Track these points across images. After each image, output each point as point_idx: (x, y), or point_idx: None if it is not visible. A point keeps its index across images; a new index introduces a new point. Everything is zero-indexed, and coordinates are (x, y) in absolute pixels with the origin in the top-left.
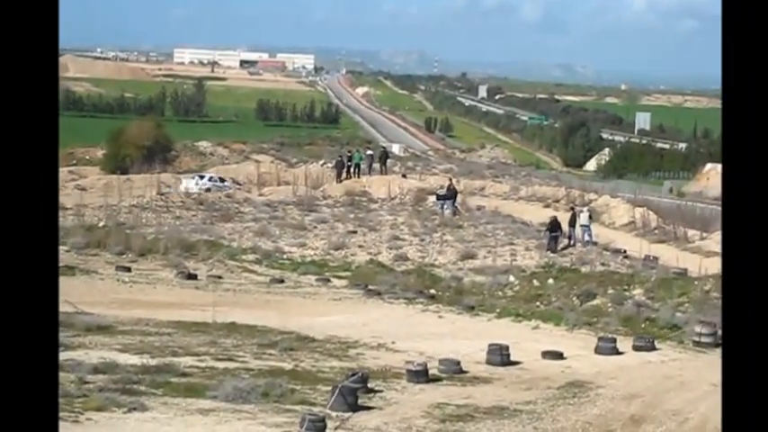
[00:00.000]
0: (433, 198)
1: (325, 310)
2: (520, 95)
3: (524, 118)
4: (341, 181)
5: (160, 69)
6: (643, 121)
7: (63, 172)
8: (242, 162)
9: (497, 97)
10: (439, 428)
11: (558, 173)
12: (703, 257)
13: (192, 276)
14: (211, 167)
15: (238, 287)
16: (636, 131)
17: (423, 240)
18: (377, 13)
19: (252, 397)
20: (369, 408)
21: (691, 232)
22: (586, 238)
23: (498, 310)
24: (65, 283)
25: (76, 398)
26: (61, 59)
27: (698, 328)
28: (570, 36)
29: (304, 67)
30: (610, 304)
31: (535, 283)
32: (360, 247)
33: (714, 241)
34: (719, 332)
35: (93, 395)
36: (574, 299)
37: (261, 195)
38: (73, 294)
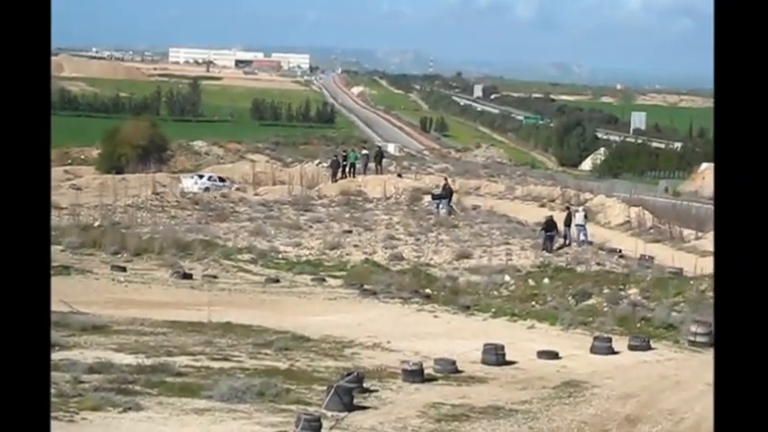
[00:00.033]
0: (428, 198)
1: (320, 309)
2: (515, 95)
3: (520, 117)
4: (336, 180)
5: (155, 69)
6: (638, 120)
7: (58, 171)
8: (237, 162)
9: (493, 97)
10: (434, 428)
11: (554, 172)
12: (699, 257)
13: (188, 276)
14: (206, 167)
15: (234, 287)
16: (631, 131)
17: (418, 240)
18: (372, 13)
19: (247, 397)
20: (364, 407)
21: (686, 232)
22: (582, 237)
23: (494, 310)
24: (60, 283)
25: (72, 397)
26: (56, 59)
27: (693, 328)
28: (565, 35)
29: (299, 67)
30: (605, 304)
31: (530, 282)
32: (355, 246)
33: (709, 241)
34: None
35: (88, 395)
36: (569, 298)
37: (256, 195)
38: (68, 294)
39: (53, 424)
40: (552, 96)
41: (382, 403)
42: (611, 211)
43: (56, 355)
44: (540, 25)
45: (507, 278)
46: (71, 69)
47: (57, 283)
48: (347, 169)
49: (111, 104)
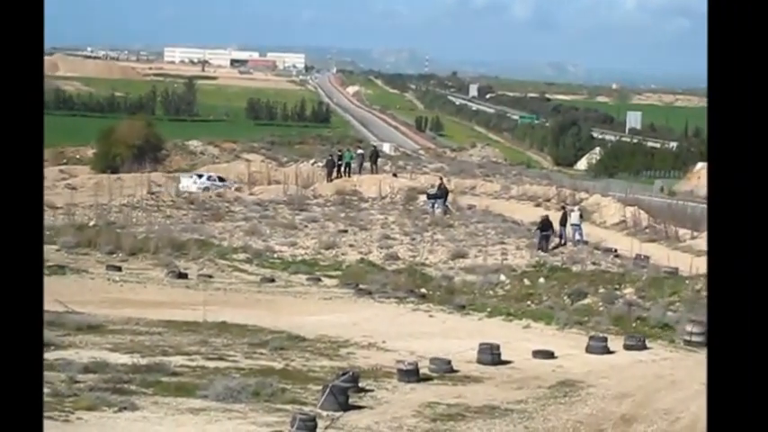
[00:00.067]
0: (423, 197)
1: (315, 309)
2: (510, 94)
3: (515, 117)
4: (331, 180)
5: (150, 68)
6: (634, 120)
7: (53, 171)
8: (232, 161)
9: (488, 96)
10: (430, 428)
11: (549, 172)
12: (694, 256)
13: (183, 275)
14: (202, 166)
15: (229, 286)
16: (627, 130)
17: (413, 239)
18: (367, 12)
19: (242, 396)
20: (359, 407)
21: (681, 231)
22: (577, 237)
23: (489, 310)
24: (55, 283)
25: (67, 397)
26: (51, 58)
27: (689, 327)
28: (561, 35)
29: (294, 66)
30: (601, 303)
31: (526, 282)
32: (350, 246)
33: (705, 240)
34: None
35: (83, 394)
36: (565, 298)
37: (251, 194)
38: (63, 293)
39: (48, 424)
40: (548, 96)
41: (377, 403)
42: (607, 210)
43: (51, 355)
44: (535, 25)
45: (503, 278)
46: (66, 69)
47: (52, 282)
48: (342, 169)
49: (106, 104)
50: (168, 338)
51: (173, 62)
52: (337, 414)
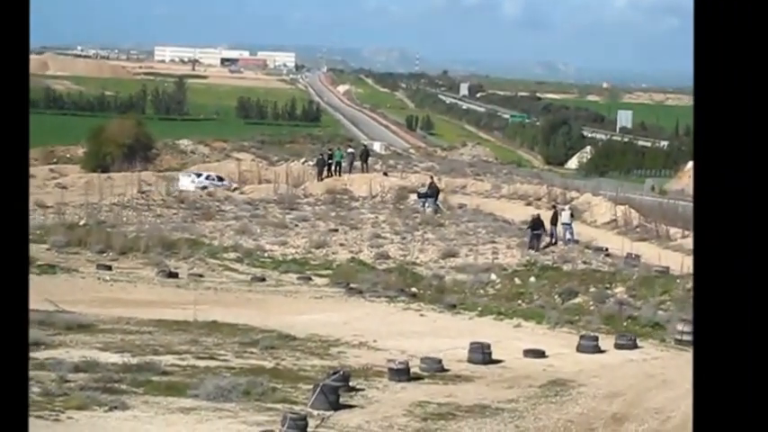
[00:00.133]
0: (414, 196)
1: (306, 308)
2: (501, 93)
3: (506, 116)
4: (322, 179)
5: (141, 67)
6: (625, 118)
7: (44, 170)
8: (223, 160)
9: (479, 95)
10: (420, 427)
11: (540, 171)
12: (685, 255)
13: (173, 275)
14: (192, 165)
15: (219, 285)
16: (617, 129)
17: (404, 239)
18: (358, 11)
19: (233, 395)
20: (350, 406)
21: (672, 230)
22: (568, 236)
23: (480, 309)
24: (46, 282)
25: (58, 396)
26: (41, 57)
27: (680, 327)
28: (552, 34)
29: (285, 65)
30: (592, 302)
31: (517, 281)
32: (341, 245)
33: None
34: None
35: (74, 394)
36: (556, 297)
37: (242, 194)
38: (54, 293)
39: (39, 423)
40: (538, 95)
41: (368, 402)
42: (598, 209)
43: (41, 354)
44: (526, 24)
45: (494, 277)
46: (56, 68)
47: (42, 281)
48: (333, 168)
49: (96, 103)
50: (159, 338)
51: (163, 61)
52: (328, 413)
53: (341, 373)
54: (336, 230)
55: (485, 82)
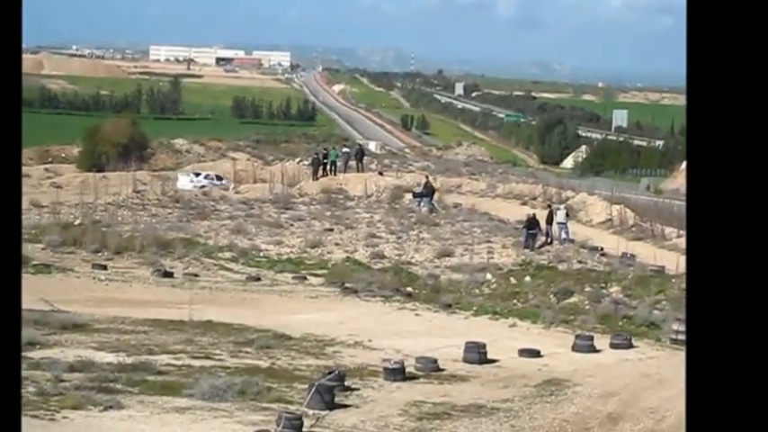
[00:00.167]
0: (409, 196)
1: (301, 307)
2: (496, 93)
3: (501, 115)
4: (317, 178)
5: (136, 67)
6: (620, 118)
7: (39, 170)
8: (218, 160)
9: (474, 94)
10: (416, 427)
11: (535, 170)
12: (680, 255)
13: (169, 274)
14: (187, 165)
15: (215, 285)
16: (613, 129)
17: (399, 238)
18: (353, 11)
19: (228, 395)
20: (345, 406)
21: (668, 230)
22: (563, 235)
23: (475, 308)
24: (41, 281)
25: (53, 396)
26: (36, 57)
27: (675, 326)
28: (547, 33)
29: (280, 65)
30: (587, 302)
31: (512, 280)
32: (336, 244)
33: None
34: None
35: (69, 393)
36: (551, 297)
37: (237, 193)
38: (49, 292)
39: (34, 422)
40: (533, 94)
41: (363, 402)
42: (593, 209)
43: (36, 354)
44: (521, 23)
45: (489, 276)
46: (51, 67)
47: (37, 281)
48: (328, 167)
49: (91, 102)
50: (154, 337)
51: (158, 60)
52: (323, 413)
53: (336, 372)
54: (331, 230)
55: (480, 81)
